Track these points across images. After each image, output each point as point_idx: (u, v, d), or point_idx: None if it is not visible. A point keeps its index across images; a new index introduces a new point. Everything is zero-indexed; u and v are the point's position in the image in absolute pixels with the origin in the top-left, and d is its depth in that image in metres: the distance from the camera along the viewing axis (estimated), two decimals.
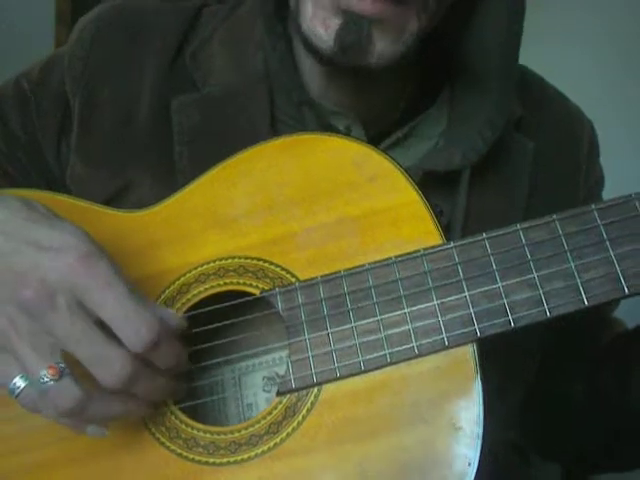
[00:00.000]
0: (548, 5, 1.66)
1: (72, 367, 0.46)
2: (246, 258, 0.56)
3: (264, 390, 0.59)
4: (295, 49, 0.67)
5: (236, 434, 0.52)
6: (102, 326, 0.46)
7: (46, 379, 0.46)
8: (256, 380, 0.60)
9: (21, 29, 2.02)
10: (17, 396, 0.47)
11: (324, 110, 0.66)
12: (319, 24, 0.58)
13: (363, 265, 0.53)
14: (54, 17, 2.10)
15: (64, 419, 0.49)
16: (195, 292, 0.56)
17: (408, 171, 0.55)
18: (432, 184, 0.59)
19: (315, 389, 0.51)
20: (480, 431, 0.48)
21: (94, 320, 0.46)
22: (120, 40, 0.69)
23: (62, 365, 0.46)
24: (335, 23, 0.57)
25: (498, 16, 0.64)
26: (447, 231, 0.58)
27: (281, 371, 0.59)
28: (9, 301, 0.47)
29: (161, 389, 0.50)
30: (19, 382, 0.47)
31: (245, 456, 0.51)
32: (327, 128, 0.64)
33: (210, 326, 0.55)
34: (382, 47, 0.58)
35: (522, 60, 0.68)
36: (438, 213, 0.55)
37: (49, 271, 0.46)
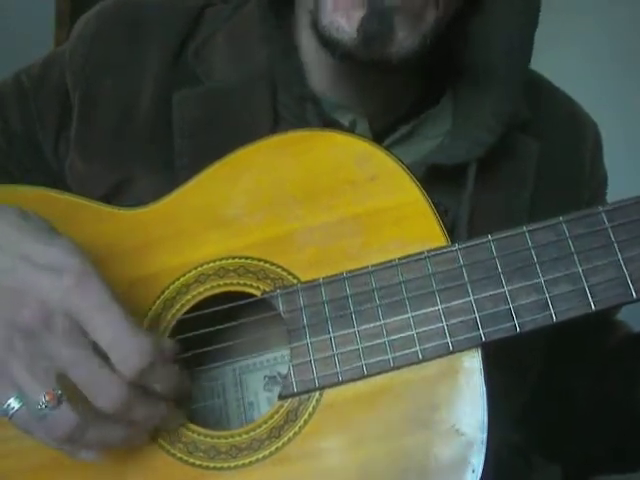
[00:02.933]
0: (548, 6, 1.66)
1: (69, 391, 0.46)
2: (247, 258, 0.55)
3: (265, 389, 0.58)
4: (298, 44, 0.67)
5: (237, 438, 0.51)
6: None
7: (44, 406, 0.45)
8: (257, 379, 0.59)
9: (21, 29, 2.02)
10: (10, 417, 0.47)
11: (328, 105, 0.65)
12: (341, 16, 0.58)
13: (366, 267, 0.52)
14: (54, 18, 2.10)
15: (59, 444, 0.48)
16: (195, 293, 0.55)
17: (411, 168, 0.55)
18: (437, 182, 0.59)
19: (317, 393, 0.50)
20: (484, 437, 0.47)
21: (91, 344, 0.46)
22: (121, 36, 0.69)
23: (59, 392, 0.45)
24: (358, 14, 0.58)
25: (508, 14, 0.64)
26: (452, 229, 0.58)
27: (282, 370, 0.58)
28: (7, 321, 0.46)
29: (162, 414, 0.49)
30: (13, 403, 0.47)
31: (246, 461, 0.50)
32: (330, 123, 0.63)
33: (210, 329, 0.54)
34: (403, 37, 0.58)
35: None
36: (442, 212, 0.54)
37: (49, 293, 0.45)
